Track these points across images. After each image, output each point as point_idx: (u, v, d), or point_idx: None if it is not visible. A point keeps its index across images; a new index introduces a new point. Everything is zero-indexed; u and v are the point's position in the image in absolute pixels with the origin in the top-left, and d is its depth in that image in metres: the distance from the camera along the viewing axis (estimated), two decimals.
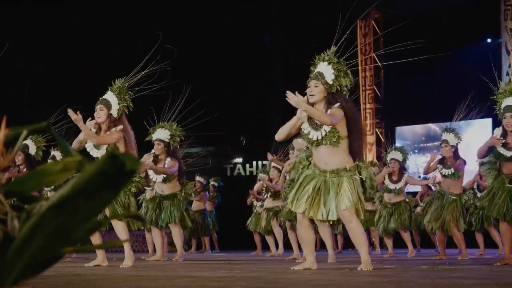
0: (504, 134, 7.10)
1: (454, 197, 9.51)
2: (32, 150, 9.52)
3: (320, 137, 5.80)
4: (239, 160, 20.19)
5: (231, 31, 18.84)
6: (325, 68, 5.89)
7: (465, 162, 9.70)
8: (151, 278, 4.94)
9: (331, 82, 5.85)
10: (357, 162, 5.88)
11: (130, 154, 1.56)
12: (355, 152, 5.94)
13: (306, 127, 5.91)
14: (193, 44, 18.35)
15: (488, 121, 16.52)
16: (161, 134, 9.46)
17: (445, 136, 9.57)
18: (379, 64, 18.11)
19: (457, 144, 9.61)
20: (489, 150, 7.20)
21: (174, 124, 9.54)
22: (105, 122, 7.19)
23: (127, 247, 7.39)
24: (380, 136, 18.65)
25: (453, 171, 9.46)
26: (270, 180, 11.68)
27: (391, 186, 10.77)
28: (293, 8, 18.93)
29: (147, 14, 18.25)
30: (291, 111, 6.06)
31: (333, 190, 5.75)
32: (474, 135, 15.73)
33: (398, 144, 15.93)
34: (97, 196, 1.56)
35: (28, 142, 9.47)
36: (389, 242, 11.42)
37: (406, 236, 11.18)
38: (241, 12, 18.84)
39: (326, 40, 6.19)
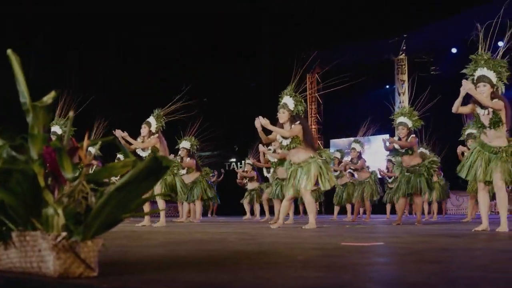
0: (400, 140, 7.10)
1: (365, 180, 9.97)
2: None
3: (288, 143, 5.89)
4: (233, 160, 20.15)
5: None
6: (288, 100, 5.96)
7: (365, 160, 10.13)
8: (178, 232, 4.90)
9: (292, 109, 5.92)
10: (317, 152, 5.95)
11: (166, 156, 1.55)
12: (311, 146, 5.98)
13: (279, 138, 5.99)
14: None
15: (386, 136, 16.58)
16: (185, 144, 9.48)
17: (354, 145, 10.20)
18: (319, 100, 18.37)
19: (360, 150, 10.12)
20: (393, 149, 7.17)
21: (193, 138, 9.57)
22: (146, 135, 7.18)
23: (162, 214, 7.31)
24: (321, 146, 18.84)
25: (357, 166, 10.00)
26: (245, 171, 11.75)
27: (334, 173, 10.65)
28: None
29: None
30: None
31: (303, 173, 5.78)
32: (378, 144, 15.79)
33: (331, 150, 15.96)
34: (144, 182, 1.55)
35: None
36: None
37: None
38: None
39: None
